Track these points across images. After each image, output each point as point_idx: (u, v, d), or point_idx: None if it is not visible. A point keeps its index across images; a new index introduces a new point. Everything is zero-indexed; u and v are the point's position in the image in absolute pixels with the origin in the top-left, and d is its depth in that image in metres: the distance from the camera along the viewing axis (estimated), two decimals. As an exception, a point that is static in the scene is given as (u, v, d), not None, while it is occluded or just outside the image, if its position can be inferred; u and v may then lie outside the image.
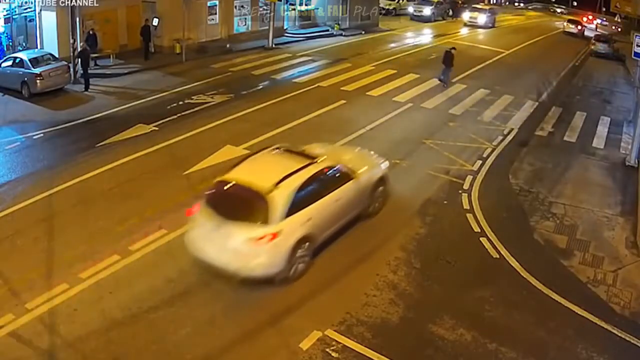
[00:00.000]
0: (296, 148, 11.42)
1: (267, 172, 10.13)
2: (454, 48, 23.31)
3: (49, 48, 21.63)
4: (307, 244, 9.74)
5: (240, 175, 10.09)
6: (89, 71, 20.74)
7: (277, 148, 11.21)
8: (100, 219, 11.31)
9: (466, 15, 43.74)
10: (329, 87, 21.62)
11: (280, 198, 9.40)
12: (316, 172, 10.28)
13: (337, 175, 10.74)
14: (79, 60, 20.63)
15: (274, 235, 9.14)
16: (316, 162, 10.51)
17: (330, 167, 10.69)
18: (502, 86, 23.30)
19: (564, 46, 38.28)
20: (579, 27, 45.90)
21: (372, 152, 12.99)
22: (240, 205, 9.71)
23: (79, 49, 20.80)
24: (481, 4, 49.30)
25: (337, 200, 10.42)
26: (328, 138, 15.73)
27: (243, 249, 9.15)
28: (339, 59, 26.47)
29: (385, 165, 12.32)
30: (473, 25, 41.98)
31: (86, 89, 20.27)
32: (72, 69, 20.51)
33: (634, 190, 14.26)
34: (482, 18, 42.91)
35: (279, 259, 9.26)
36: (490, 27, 42.60)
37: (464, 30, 40.15)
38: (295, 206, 9.53)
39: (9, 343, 8.01)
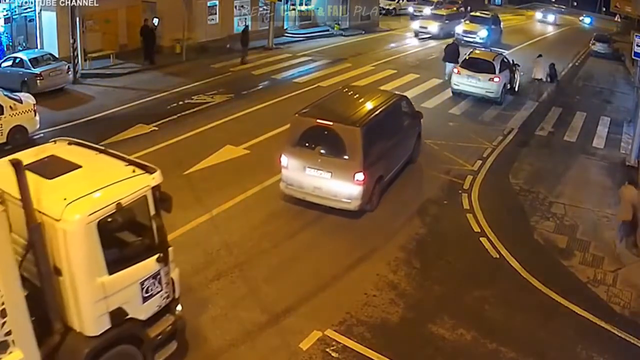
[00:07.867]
0: None
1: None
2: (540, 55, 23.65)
3: (49, 48, 21.59)
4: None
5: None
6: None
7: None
8: (100, 219, 11.28)
9: (416, 25, 36.07)
10: (329, 87, 21.53)
11: None
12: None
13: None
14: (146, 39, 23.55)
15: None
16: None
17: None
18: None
19: (562, 47, 38.23)
20: None
21: None
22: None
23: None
24: (442, 9, 38.61)
25: None
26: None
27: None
28: (339, 59, 26.48)
29: None
30: (424, 36, 34.53)
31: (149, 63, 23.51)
32: (72, 69, 20.49)
33: (634, 190, 14.24)
34: (434, 27, 34.34)
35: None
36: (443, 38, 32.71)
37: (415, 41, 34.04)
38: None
39: None
